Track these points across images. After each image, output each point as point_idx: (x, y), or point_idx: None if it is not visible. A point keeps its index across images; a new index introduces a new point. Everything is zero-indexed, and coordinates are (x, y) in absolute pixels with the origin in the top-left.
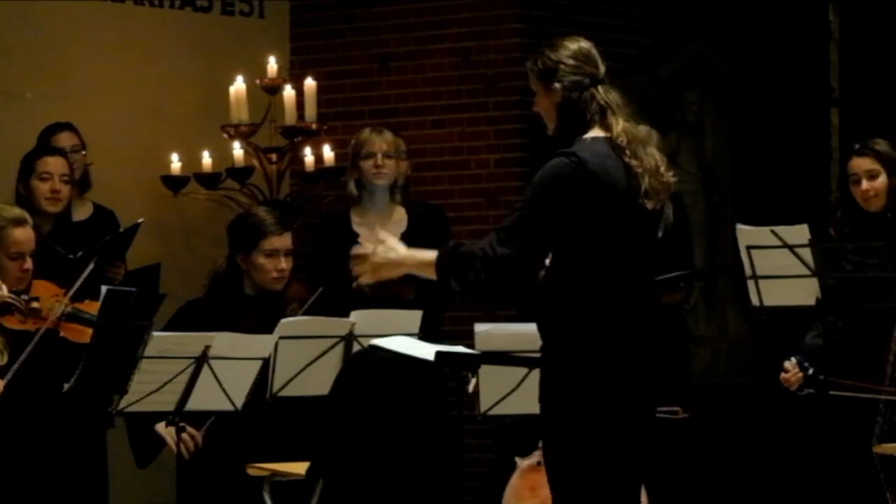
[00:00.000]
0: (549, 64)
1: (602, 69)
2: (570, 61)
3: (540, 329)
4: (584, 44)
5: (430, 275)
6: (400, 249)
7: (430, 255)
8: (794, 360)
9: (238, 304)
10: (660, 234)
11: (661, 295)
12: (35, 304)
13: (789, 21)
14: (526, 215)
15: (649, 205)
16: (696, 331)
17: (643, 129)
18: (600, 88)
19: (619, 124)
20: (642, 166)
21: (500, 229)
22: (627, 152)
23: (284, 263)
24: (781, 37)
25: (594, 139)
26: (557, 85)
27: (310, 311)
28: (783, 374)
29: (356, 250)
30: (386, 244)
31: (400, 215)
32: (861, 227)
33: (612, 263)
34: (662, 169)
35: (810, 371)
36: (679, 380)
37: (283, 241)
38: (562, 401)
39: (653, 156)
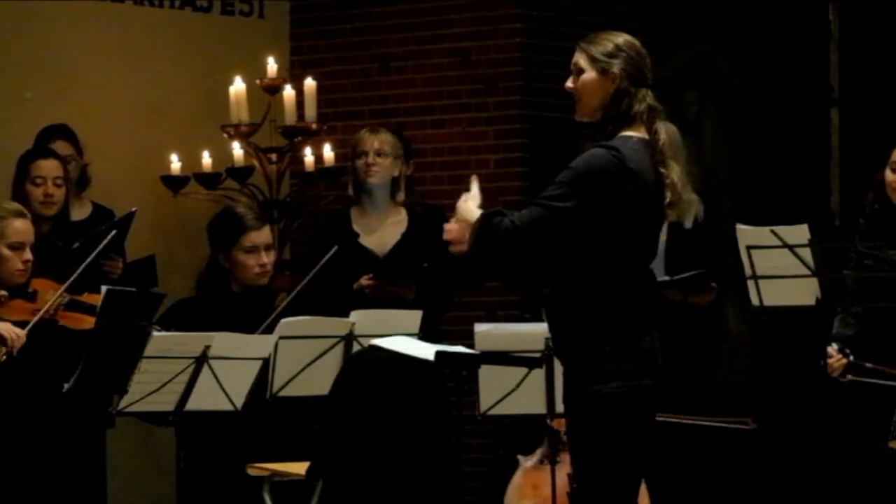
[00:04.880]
0: (611, 48)
1: (651, 75)
2: (632, 52)
3: (555, 325)
4: (639, 43)
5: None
6: (472, 208)
7: (476, 215)
8: (835, 345)
9: (226, 302)
10: (688, 226)
11: (687, 295)
12: (3, 291)
13: (789, 21)
14: (565, 197)
15: (671, 215)
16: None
17: (671, 128)
18: (650, 92)
19: (664, 133)
20: (670, 177)
21: (541, 206)
22: (664, 161)
23: (266, 258)
24: (781, 36)
25: (637, 140)
26: (616, 70)
27: (298, 299)
28: (829, 360)
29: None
30: (468, 201)
31: (400, 216)
32: (885, 217)
33: (632, 261)
34: (680, 185)
35: (851, 357)
36: (704, 381)
37: (263, 235)
38: (585, 397)
39: (676, 170)
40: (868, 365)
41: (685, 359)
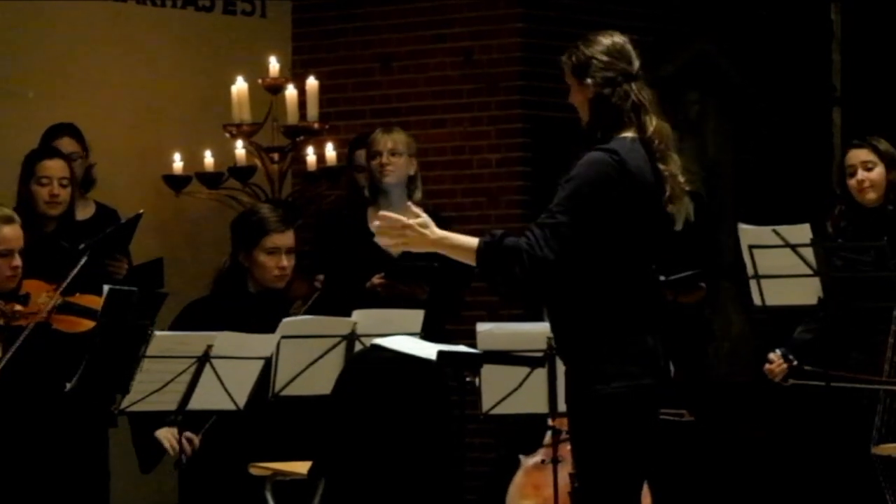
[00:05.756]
0: (582, 59)
1: (636, 65)
2: (604, 57)
3: (556, 325)
4: (619, 39)
5: (466, 259)
6: (435, 229)
7: (470, 242)
8: (778, 351)
9: (241, 303)
10: (679, 227)
11: (677, 295)
12: (18, 307)
13: (791, 20)
14: (571, 213)
15: (671, 209)
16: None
17: (664, 126)
18: (634, 85)
19: (653, 124)
20: (669, 170)
21: (546, 227)
22: (658, 155)
23: (286, 261)
24: (783, 36)
25: (632, 140)
26: (590, 80)
27: (313, 308)
28: (767, 366)
29: (385, 218)
30: (422, 220)
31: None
32: (859, 222)
33: (633, 262)
34: (680, 175)
35: (794, 363)
36: (696, 380)
37: (285, 238)
38: (587, 397)
39: (676, 161)
40: (807, 368)
41: (675, 358)
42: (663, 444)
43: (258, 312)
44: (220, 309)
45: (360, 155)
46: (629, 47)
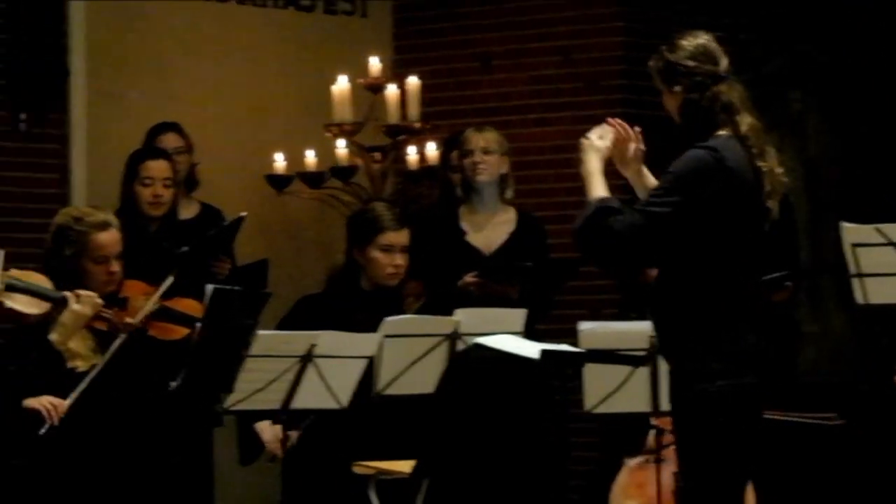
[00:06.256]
0: (668, 66)
1: (723, 64)
2: (689, 62)
3: (659, 324)
4: (702, 40)
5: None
6: (595, 163)
7: (598, 191)
8: None
9: (353, 300)
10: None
11: (767, 295)
12: (129, 320)
13: (891, 16)
14: (667, 204)
15: (770, 204)
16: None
17: (754, 122)
18: (723, 86)
19: (746, 121)
20: (767, 166)
21: (640, 213)
22: (755, 150)
23: (400, 259)
24: (883, 32)
25: (728, 137)
26: (678, 87)
27: (425, 307)
28: None
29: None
30: (595, 142)
31: (509, 215)
32: None
33: (734, 258)
34: (777, 169)
35: None
36: (786, 378)
37: (400, 237)
38: (691, 396)
39: (773, 155)
40: None
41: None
42: (778, 445)
43: (370, 310)
44: (331, 306)
45: (455, 155)
46: (713, 46)
